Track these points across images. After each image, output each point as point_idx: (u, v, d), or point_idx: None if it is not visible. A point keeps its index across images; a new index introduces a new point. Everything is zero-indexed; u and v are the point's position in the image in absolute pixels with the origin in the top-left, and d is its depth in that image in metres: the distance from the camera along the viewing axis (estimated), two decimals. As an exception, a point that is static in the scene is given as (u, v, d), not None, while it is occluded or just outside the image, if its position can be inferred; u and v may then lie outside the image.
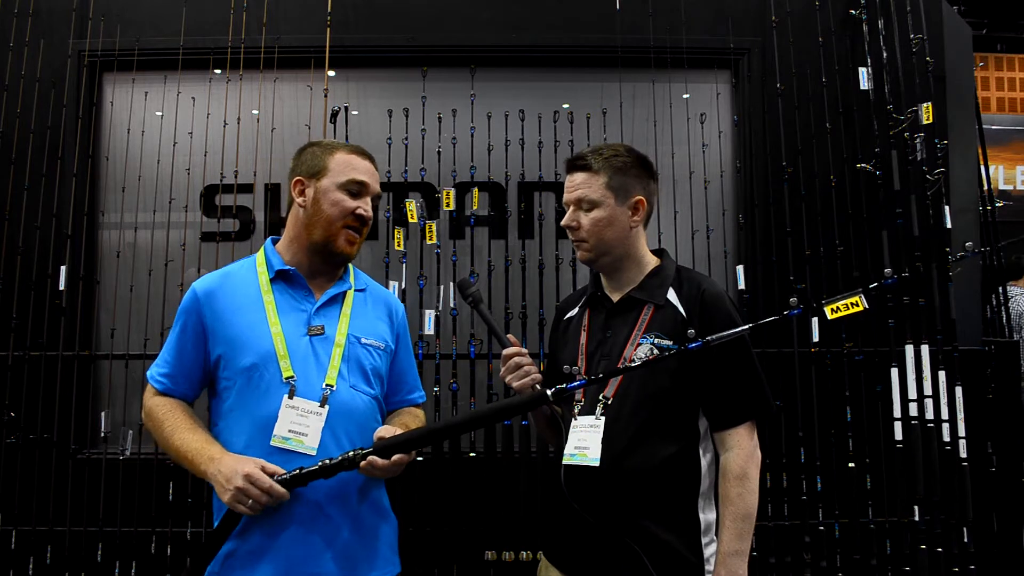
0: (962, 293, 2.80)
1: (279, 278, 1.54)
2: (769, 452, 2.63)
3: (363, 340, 1.55)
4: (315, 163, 1.56)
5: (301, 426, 1.43)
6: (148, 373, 1.56)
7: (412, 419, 1.65)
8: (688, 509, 1.48)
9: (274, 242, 1.62)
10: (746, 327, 1.39)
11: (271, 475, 1.34)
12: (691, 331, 1.38)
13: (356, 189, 1.55)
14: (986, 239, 3.28)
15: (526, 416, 2.72)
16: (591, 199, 1.55)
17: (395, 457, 1.39)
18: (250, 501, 1.32)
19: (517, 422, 2.75)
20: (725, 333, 1.36)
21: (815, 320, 2.77)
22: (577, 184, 1.57)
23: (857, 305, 1.33)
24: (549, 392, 1.39)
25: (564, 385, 1.40)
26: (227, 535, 1.39)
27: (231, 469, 1.34)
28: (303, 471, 1.35)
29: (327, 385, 1.47)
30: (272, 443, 1.41)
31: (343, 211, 1.53)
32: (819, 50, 2.93)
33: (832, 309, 1.35)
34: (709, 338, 1.35)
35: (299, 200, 1.56)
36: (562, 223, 1.62)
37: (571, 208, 1.59)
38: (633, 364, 1.45)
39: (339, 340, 1.52)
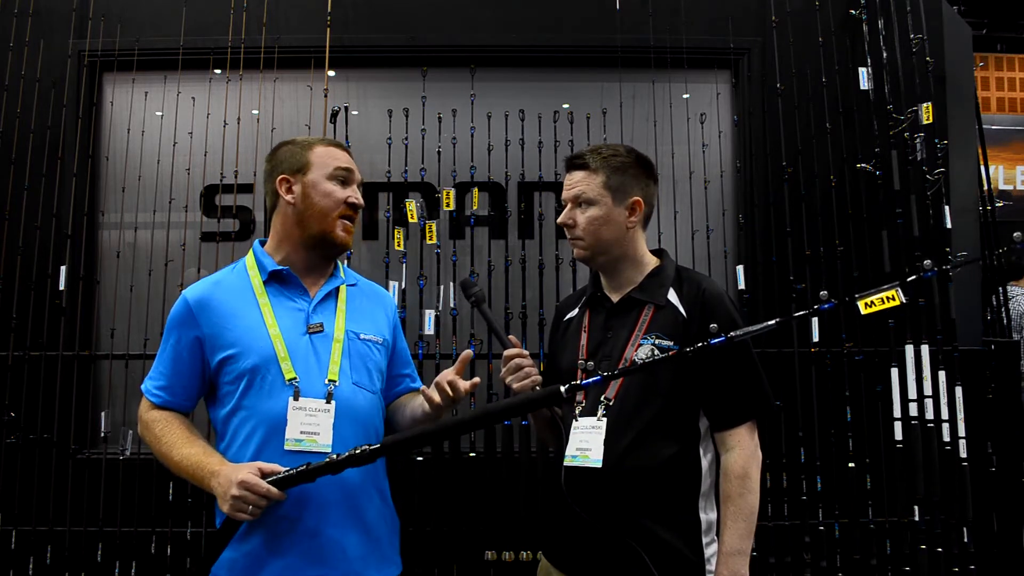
0: (962, 293, 2.80)
1: (272, 279, 1.54)
2: (769, 452, 2.61)
3: (362, 336, 1.56)
4: (295, 159, 1.56)
5: (312, 425, 1.43)
6: (143, 387, 1.54)
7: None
8: (689, 509, 1.48)
9: (262, 244, 1.60)
10: (772, 322, 1.32)
11: (270, 474, 1.33)
12: (713, 325, 1.35)
13: (344, 176, 1.56)
14: (986, 240, 3.28)
15: (526, 416, 2.72)
16: (588, 197, 1.56)
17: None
18: (250, 508, 1.32)
19: (517, 422, 2.75)
20: (750, 328, 1.32)
21: (815, 320, 2.77)
22: (575, 182, 1.58)
23: (893, 299, 1.26)
24: (563, 388, 1.37)
25: (579, 381, 1.39)
26: (228, 540, 1.38)
27: (228, 480, 1.33)
28: (310, 467, 1.33)
29: (330, 381, 1.47)
30: (286, 447, 1.41)
31: (336, 201, 1.53)
32: (819, 50, 2.93)
33: (866, 303, 1.27)
34: (733, 333, 1.31)
35: (287, 197, 1.55)
36: (558, 220, 1.62)
37: (568, 206, 1.60)
38: (648, 361, 1.43)
39: (338, 336, 1.52)
